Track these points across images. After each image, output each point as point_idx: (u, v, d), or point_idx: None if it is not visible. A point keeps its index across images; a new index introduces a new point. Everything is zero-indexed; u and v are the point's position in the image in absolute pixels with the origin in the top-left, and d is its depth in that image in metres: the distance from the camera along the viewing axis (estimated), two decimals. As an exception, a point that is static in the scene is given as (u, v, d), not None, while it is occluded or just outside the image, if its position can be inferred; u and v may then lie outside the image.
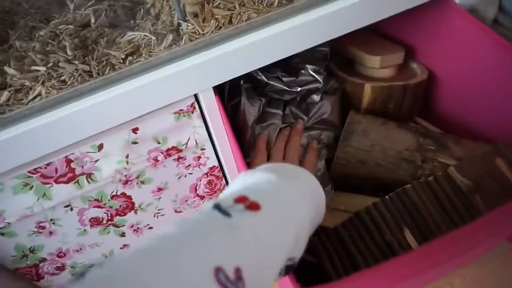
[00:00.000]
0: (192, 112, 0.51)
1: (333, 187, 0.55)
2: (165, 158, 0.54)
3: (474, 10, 0.61)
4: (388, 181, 0.52)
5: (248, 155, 0.53)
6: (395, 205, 0.44)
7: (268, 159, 0.51)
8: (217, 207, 0.30)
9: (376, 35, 0.68)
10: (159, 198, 0.62)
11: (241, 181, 0.37)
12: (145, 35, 0.49)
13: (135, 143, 0.51)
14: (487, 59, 0.52)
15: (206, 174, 0.63)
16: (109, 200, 0.57)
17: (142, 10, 0.55)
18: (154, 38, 0.49)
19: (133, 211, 0.61)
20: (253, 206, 0.31)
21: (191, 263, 0.24)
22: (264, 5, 0.50)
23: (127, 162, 0.52)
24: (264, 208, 0.31)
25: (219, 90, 0.52)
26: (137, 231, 0.65)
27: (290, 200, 0.34)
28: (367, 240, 0.43)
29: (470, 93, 0.57)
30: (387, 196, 0.44)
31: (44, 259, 0.60)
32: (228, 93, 0.58)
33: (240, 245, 0.27)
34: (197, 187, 0.64)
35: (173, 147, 0.54)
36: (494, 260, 0.66)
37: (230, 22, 0.49)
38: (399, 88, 0.58)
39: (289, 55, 0.49)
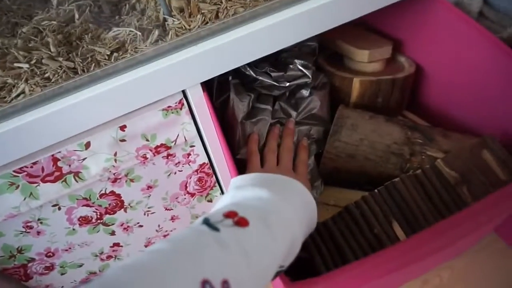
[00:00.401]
0: (181, 109, 0.51)
1: (323, 182, 0.56)
2: (154, 155, 0.54)
3: (460, 3, 0.62)
4: (377, 174, 0.52)
5: (239, 152, 0.53)
6: (384, 198, 0.44)
7: (261, 159, 0.51)
8: (206, 222, 0.31)
9: (364, 29, 0.68)
10: (149, 196, 0.61)
11: (232, 195, 0.38)
12: (130, 31, 0.49)
13: (123, 140, 0.50)
14: (473, 52, 0.52)
15: (196, 171, 0.62)
16: (97, 199, 0.56)
17: (127, 5, 0.54)
18: (140, 33, 0.48)
19: (122, 209, 0.60)
20: (242, 222, 0.32)
21: (178, 277, 0.25)
22: (251, -1, 0.49)
23: (115, 160, 0.51)
24: (253, 224, 0.32)
25: (207, 86, 0.52)
26: (127, 230, 0.65)
27: (281, 216, 0.35)
28: (357, 233, 0.43)
29: (456, 86, 0.58)
30: (376, 190, 0.45)
31: (32, 259, 0.59)
32: (217, 89, 0.58)
33: (227, 258, 0.28)
34: (187, 185, 0.64)
35: (162, 144, 0.53)
36: (481, 251, 0.67)
37: (217, 16, 0.48)
38: (388, 82, 0.58)
39: (277, 49, 0.48)
